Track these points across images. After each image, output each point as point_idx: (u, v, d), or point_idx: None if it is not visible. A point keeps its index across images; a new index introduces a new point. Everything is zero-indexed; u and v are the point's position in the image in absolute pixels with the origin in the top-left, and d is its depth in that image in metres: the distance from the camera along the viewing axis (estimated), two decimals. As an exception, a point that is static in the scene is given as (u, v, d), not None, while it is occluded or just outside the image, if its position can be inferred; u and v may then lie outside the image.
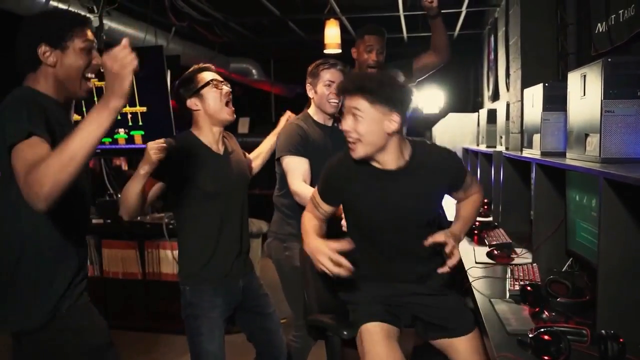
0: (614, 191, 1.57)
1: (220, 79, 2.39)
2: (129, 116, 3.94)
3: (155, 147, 2.05)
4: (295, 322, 2.83)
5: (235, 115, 2.39)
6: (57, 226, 1.71)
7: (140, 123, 3.92)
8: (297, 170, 2.60)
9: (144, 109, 3.88)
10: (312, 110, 2.83)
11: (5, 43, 2.10)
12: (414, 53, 10.66)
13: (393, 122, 1.91)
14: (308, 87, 2.80)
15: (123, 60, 1.46)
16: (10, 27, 1.94)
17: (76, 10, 5.08)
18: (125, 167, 7.95)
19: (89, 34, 1.77)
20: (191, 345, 2.27)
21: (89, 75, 1.78)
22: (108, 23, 5.23)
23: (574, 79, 2.14)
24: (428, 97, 10.33)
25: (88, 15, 4.94)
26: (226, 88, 2.38)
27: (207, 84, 2.32)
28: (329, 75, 2.72)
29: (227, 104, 2.35)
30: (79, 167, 1.44)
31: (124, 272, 4.10)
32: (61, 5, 4.91)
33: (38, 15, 1.80)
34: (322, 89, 2.73)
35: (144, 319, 4.06)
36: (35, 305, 1.69)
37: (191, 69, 2.40)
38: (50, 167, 1.41)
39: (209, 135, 2.36)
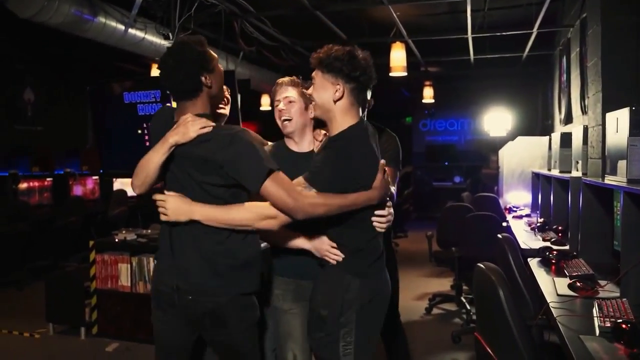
0: None
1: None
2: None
3: (201, 125, 1.97)
4: None
5: None
6: None
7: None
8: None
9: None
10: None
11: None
12: (481, 75, 10.47)
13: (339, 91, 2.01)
14: None
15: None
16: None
17: (152, 38, 5.31)
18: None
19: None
20: None
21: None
22: (181, 49, 5.42)
23: (667, 103, 2.02)
24: (494, 120, 10.08)
25: (163, 41, 5.17)
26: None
27: None
28: (275, 96, 2.39)
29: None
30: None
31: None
32: (138, 34, 5.15)
33: (187, 52, 2.00)
34: (275, 111, 2.40)
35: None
36: None
37: None
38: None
39: None
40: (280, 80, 2.41)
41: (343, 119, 2.03)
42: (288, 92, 2.33)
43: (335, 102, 2.01)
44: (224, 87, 2.37)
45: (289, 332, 2.29)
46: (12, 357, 4.06)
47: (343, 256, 2.04)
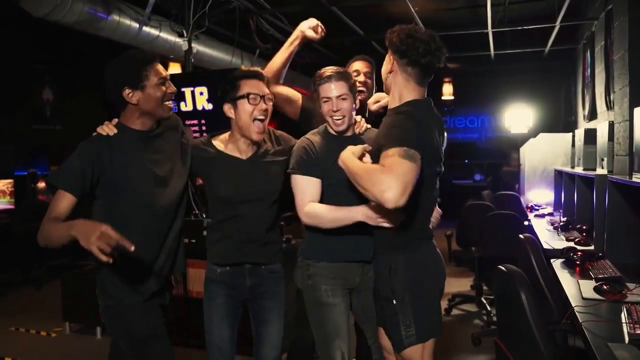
0: None
1: (261, 93, 2.25)
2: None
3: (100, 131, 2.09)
4: None
5: (262, 135, 2.28)
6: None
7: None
8: (304, 193, 2.25)
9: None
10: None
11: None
12: (502, 71, 10.27)
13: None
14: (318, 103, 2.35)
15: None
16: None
17: (167, 36, 5.29)
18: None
19: (160, 68, 2.07)
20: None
21: (167, 103, 2.10)
22: (196, 46, 5.39)
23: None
24: (516, 116, 9.88)
25: (177, 39, 5.14)
26: (263, 105, 2.25)
27: (243, 96, 2.23)
28: (323, 92, 2.25)
29: (255, 121, 2.24)
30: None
31: (207, 291, 4.12)
32: (153, 31, 5.12)
33: (116, 62, 2.04)
34: (322, 107, 2.27)
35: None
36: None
37: (240, 72, 2.29)
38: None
39: (237, 142, 2.31)
40: (329, 72, 2.24)
41: (396, 92, 2.03)
42: (342, 89, 2.22)
43: (387, 75, 2.05)
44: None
45: (336, 330, 2.27)
46: (29, 356, 4.06)
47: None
